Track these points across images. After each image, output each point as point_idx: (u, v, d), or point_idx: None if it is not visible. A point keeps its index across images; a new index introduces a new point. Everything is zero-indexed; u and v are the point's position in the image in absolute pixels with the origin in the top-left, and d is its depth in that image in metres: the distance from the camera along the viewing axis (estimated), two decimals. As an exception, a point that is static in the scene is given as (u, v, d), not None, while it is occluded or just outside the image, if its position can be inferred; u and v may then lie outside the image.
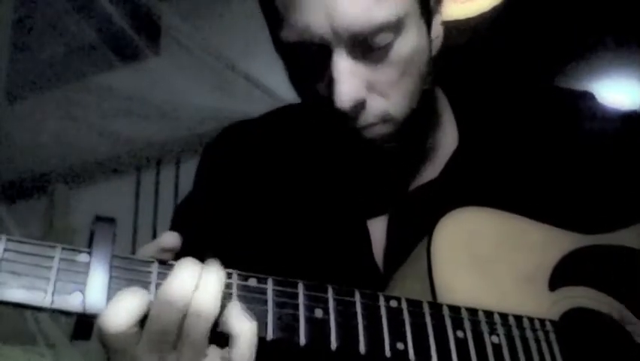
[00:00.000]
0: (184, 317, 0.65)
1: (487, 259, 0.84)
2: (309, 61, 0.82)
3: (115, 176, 3.13)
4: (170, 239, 0.71)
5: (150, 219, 2.99)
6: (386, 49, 0.81)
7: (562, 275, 0.87)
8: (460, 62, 0.94)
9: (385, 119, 0.84)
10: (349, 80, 0.80)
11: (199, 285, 0.65)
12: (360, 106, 0.82)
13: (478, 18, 2.39)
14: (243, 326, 0.66)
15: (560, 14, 2.40)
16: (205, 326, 0.65)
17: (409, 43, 0.83)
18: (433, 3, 0.88)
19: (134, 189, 3.12)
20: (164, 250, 0.70)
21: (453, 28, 0.90)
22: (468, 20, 2.37)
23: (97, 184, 3.15)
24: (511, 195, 0.92)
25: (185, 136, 2.88)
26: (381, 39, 0.80)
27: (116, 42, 2.84)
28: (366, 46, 0.80)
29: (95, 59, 2.88)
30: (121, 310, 0.63)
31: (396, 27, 0.81)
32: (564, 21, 2.40)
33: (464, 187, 0.94)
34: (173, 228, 1.02)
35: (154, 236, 2.83)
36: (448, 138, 0.98)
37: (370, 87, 0.82)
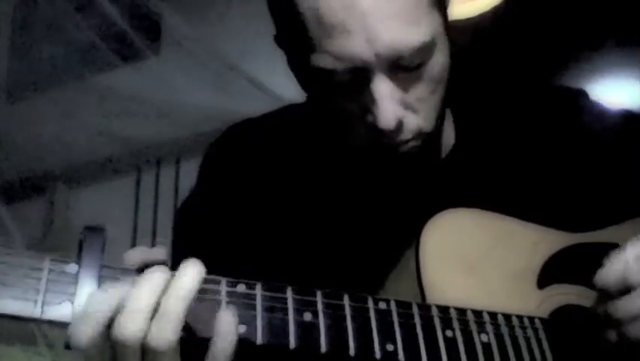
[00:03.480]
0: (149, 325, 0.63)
1: (475, 260, 0.85)
2: (340, 84, 0.84)
3: (115, 176, 3.13)
4: (159, 256, 0.70)
5: (150, 219, 2.99)
6: (421, 68, 0.83)
7: (551, 273, 0.87)
8: (458, 61, 0.95)
9: (419, 134, 0.87)
10: (391, 101, 0.82)
11: (169, 287, 0.64)
12: (400, 124, 0.84)
13: (478, 18, 2.39)
14: (220, 323, 0.65)
15: (560, 14, 2.40)
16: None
17: (439, 60, 0.85)
18: (449, 18, 0.89)
19: (134, 189, 3.12)
20: (146, 263, 0.68)
21: (453, 28, 0.91)
22: (468, 20, 2.37)
23: (97, 184, 3.15)
24: (503, 194, 0.93)
25: (185, 136, 2.88)
26: (418, 59, 0.82)
27: (116, 42, 2.84)
28: (403, 66, 0.82)
29: (95, 59, 2.88)
30: (85, 325, 0.62)
31: (431, 46, 0.83)
32: (564, 21, 2.40)
33: (459, 185, 0.94)
34: (175, 231, 1.02)
35: (154, 236, 2.82)
36: (446, 136, 0.98)
37: (405, 105, 0.85)
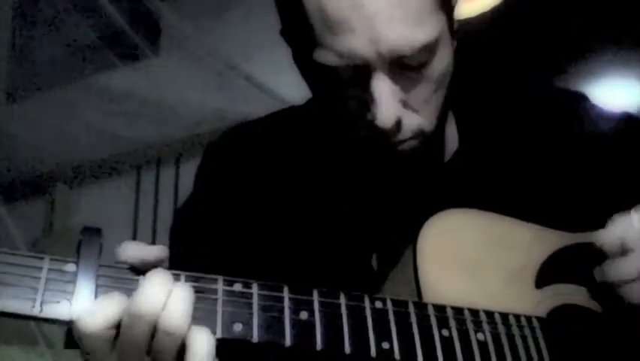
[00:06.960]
0: (155, 331, 0.65)
1: (472, 260, 0.85)
2: (342, 81, 0.84)
3: (115, 176, 3.13)
4: (156, 253, 0.69)
5: (150, 219, 2.99)
6: (423, 68, 0.83)
7: (548, 273, 0.87)
8: (458, 62, 0.95)
9: (419, 133, 0.87)
10: (390, 100, 0.82)
11: (168, 303, 0.65)
12: (398, 124, 0.84)
13: (479, 18, 2.39)
14: (195, 335, 0.66)
15: (560, 15, 2.40)
16: (175, 343, 0.65)
17: (443, 61, 0.85)
18: (455, 20, 0.89)
19: (134, 189, 3.12)
20: (145, 263, 0.68)
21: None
22: (468, 20, 2.37)
23: (97, 184, 3.16)
24: (506, 197, 0.93)
25: (185, 136, 2.89)
26: (420, 59, 0.82)
27: (116, 42, 2.85)
28: (405, 65, 0.82)
29: (95, 59, 2.89)
30: (97, 313, 0.64)
31: (434, 46, 0.83)
32: (564, 21, 2.40)
33: (463, 188, 0.94)
34: (173, 232, 1.02)
35: (153, 236, 2.82)
36: (449, 140, 0.99)
37: (405, 104, 0.84)
